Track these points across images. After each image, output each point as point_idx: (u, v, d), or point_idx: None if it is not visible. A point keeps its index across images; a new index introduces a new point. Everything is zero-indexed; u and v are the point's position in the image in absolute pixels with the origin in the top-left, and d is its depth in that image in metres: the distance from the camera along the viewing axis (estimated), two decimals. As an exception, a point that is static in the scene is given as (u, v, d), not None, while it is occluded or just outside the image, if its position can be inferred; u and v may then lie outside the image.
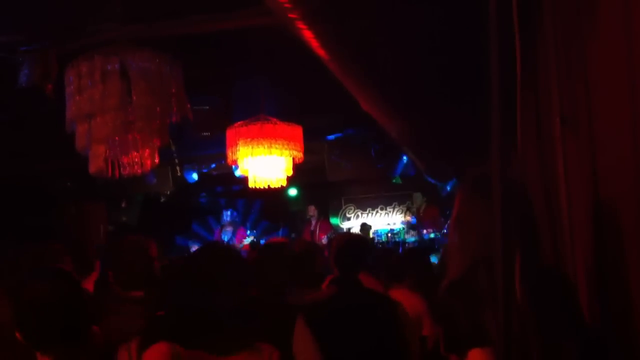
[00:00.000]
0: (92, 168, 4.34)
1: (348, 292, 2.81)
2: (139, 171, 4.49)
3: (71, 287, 1.85)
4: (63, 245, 3.00)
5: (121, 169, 4.45)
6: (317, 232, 9.23)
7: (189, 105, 4.52)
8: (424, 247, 8.29)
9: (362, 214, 11.56)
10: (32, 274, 1.87)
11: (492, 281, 1.32)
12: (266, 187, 6.23)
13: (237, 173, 7.12)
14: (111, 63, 4.10)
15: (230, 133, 5.82)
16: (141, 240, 2.79)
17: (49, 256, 2.81)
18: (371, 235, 9.88)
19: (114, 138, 4.25)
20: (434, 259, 7.30)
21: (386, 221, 11.25)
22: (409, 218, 10.66)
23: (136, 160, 4.43)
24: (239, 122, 5.81)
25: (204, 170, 9.86)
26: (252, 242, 9.54)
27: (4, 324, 1.88)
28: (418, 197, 10.14)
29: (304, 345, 2.38)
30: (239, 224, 10.82)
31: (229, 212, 10.54)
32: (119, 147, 4.34)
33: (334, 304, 2.75)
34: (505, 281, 1.28)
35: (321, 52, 3.40)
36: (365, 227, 9.97)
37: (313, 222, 9.52)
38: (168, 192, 9.79)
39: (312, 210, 9.54)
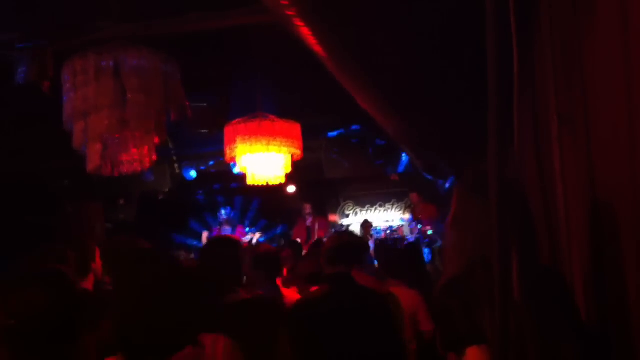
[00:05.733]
0: (90, 166, 4.33)
1: (342, 290, 2.82)
2: (138, 169, 4.49)
3: (64, 292, 1.82)
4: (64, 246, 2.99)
5: (119, 166, 4.44)
6: (316, 230, 9.21)
7: (187, 103, 4.51)
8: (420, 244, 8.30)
9: (360, 211, 11.57)
10: (24, 278, 1.85)
11: (489, 280, 1.32)
12: (264, 184, 6.23)
13: (236, 170, 7.12)
14: (105, 60, 4.09)
15: (228, 130, 5.81)
16: (134, 241, 2.78)
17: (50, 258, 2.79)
18: (371, 233, 9.89)
19: (111, 135, 4.24)
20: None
21: (385, 218, 11.26)
22: (407, 215, 10.65)
23: (135, 157, 4.43)
24: (237, 119, 5.80)
25: (202, 168, 9.85)
26: (251, 240, 9.54)
27: None
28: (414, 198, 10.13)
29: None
30: (237, 221, 10.81)
31: (225, 210, 10.54)
32: (117, 144, 4.34)
33: (327, 303, 2.77)
34: (502, 280, 1.29)
35: (318, 49, 3.40)
36: (366, 224, 9.98)
37: (309, 220, 9.52)
38: (166, 190, 9.79)
39: (308, 208, 9.55)
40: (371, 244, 7.97)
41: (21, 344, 1.71)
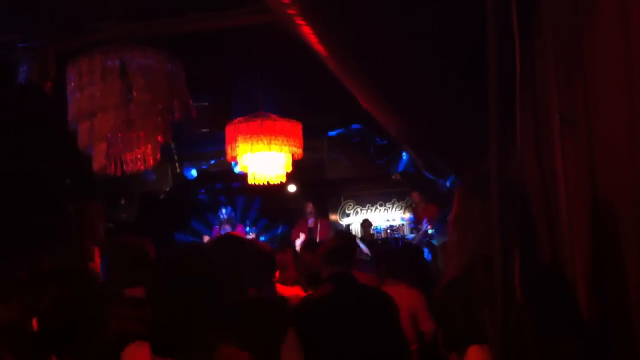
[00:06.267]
0: (96, 165, 4.32)
1: (345, 289, 2.83)
2: (142, 168, 4.48)
3: (89, 289, 1.81)
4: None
5: (124, 166, 4.43)
6: (318, 231, 9.18)
7: (191, 102, 4.51)
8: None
9: (361, 210, 11.57)
10: (35, 278, 1.83)
11: (490, 279, 1.32)
12: (265, 183, 6.22)
13: (237, 170, 7.11)
14: (111, 60, 4.08)
15: (229, 129, 5.79)
16: (136, 241, 2.78)
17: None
18: (371, 232, 9.88)
19: (117, 135, 4.24)
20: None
21: (385, 217, 11.25)
22: (408, 214, 10.64)
23: (139, 157, 4.42)
24: (238, 119, 5.79)
25: (204, 167, 9.85)
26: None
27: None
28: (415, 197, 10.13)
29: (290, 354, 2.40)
30: (237, 221, 10.80)
31: (225, 210, 10.53)
32: (122, 144, 4.33)
33: (331, 302, 2.78)
34: (504, 280, 1.29)
35: (319, 48, 3.40)
36: (366, 223, 9.98)
37: (311, 220, 9.48)
38: (167, 189, 9.79)
39: (309, 208, 9.52)
40: (362, 246, 7.93)
41: (29, 345, 1.70)
